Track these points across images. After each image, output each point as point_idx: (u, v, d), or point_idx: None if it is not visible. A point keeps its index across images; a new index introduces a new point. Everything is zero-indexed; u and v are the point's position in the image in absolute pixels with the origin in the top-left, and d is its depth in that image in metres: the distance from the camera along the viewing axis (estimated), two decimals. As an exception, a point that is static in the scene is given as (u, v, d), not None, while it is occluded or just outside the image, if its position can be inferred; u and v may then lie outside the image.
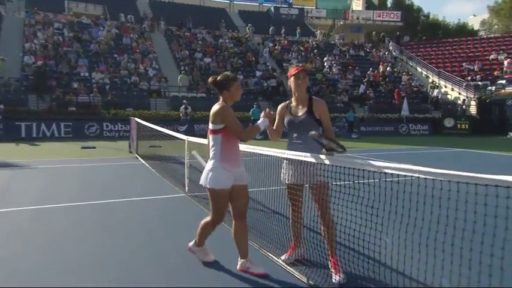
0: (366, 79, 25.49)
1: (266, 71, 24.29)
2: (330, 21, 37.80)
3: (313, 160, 2.75)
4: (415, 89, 26.18)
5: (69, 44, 21.62)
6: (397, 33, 33.90)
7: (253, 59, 25.27)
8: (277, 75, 23.95)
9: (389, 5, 46.36)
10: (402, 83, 26.40)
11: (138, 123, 10.13)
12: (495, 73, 25.33)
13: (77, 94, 17.92)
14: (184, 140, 5.98)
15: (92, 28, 23.93)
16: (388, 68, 27.76)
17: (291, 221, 3.25)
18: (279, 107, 3.28)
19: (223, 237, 3.50)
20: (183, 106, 17.68)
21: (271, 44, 27.87)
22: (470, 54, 28.48)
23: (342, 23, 36.68)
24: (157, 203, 5.47)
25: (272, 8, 35.98)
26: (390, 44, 31.70)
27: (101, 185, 6.68)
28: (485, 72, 25.72)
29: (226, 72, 3.06)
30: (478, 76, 25.25)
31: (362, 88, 24.47)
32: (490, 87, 23.75)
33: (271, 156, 3.38)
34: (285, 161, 3.17)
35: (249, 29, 29.82)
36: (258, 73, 23.63)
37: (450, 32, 44.70)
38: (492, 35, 34.99)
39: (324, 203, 2.90)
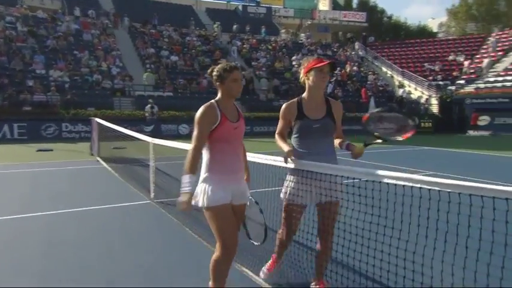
0: (334, 78, 25.77)
1: (235, 69, 23.89)
2: (298, 21, 38.04)
3: (333, 173, 2.30)
4: (381, 88, 26.81)
5: (24, 39, 20.17)
6: (364, 33, 34.64)
7: (222, 57, 24.81)
8: (246, 74, 23.64)
9: (354, 5, 47.39)
10: (368, 82, 26.96)
11: (99, 124, 9.48)
12: (454, 73, 26.48)
13: (33, 93, 16.69)
14: (149, 142, 5.56)
15: (49, 23, 22.48)
16: (354, 68, 28.25)
17: (278, 240, 2.73)
18: (285, 106, 2.60)
19: (199, 255, 3.13)
20: (149, 105, 16.98)
21: (239, 43, 27.53)
22: (431, 55, 29.59)
23: (309, 22, 37.01)
24: (118, 211, 5.00)
25: (240, 7, 35.66)
26: (356, 44, 32.33)
27: (56, 193, 6.06)
28: (445, 73, 26.82)
29: (225, 62, 2.47)
30: (439, 76, 26.28)
31: (330, 87, 24.65)
32: (450, 87, 24.77)
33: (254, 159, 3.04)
34: (291, 177, 2.56)
35: (217, 27, 29.30)
36: (226, 72, 23.17)
37: (412, 33, 46.30)
38: (450, 37, 36.64)
39: (332, 222, 2.49)
